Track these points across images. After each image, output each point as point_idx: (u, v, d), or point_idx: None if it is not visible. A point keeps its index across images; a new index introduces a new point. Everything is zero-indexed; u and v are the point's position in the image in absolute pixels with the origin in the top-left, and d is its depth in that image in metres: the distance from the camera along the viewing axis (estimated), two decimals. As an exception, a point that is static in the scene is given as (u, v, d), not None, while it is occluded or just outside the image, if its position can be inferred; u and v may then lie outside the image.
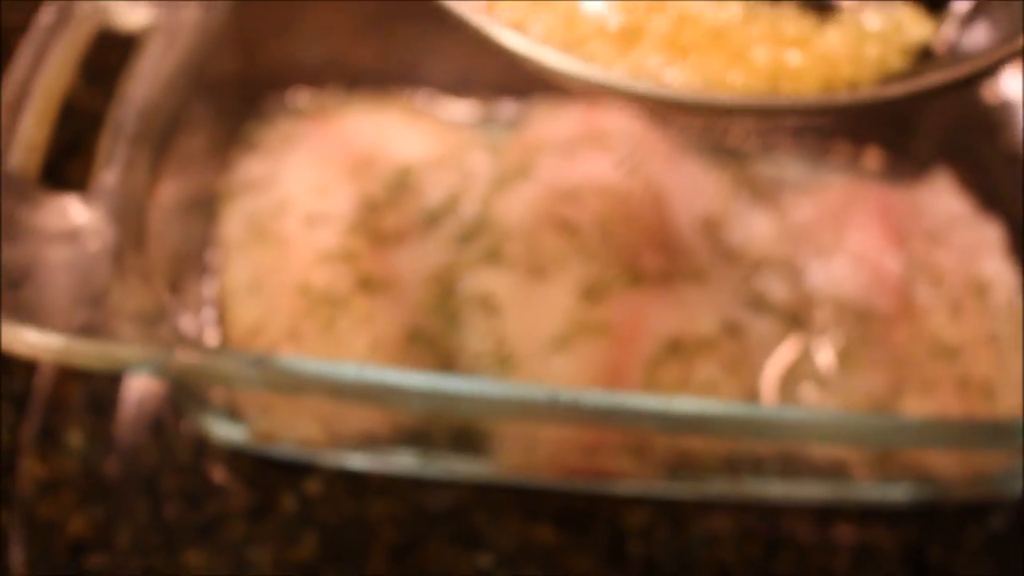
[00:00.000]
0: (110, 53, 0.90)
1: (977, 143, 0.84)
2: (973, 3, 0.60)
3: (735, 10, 0.59)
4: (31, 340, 0.58)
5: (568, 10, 0.59)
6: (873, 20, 0.60)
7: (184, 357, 0.59)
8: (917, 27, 0.59)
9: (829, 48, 0.58)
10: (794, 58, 0.57)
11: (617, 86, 0.56)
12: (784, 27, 0.59)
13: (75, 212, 0.64)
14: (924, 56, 0.58)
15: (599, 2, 0.59)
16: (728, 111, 0.61)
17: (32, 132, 0.67)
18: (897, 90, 0.56)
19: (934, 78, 0.55)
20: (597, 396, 0.61)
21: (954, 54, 0.58)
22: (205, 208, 0.77)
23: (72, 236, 0.62)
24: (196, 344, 0.60)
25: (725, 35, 0.58)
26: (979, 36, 0.58)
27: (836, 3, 0.60)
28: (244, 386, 0.64)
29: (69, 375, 0.73)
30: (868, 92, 0.56)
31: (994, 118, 0.82)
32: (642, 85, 0.56)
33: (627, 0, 0.58)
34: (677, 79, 0.56)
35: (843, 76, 0.57)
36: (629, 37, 0.58)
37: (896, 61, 0.58)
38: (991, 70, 0.56)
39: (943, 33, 0.59)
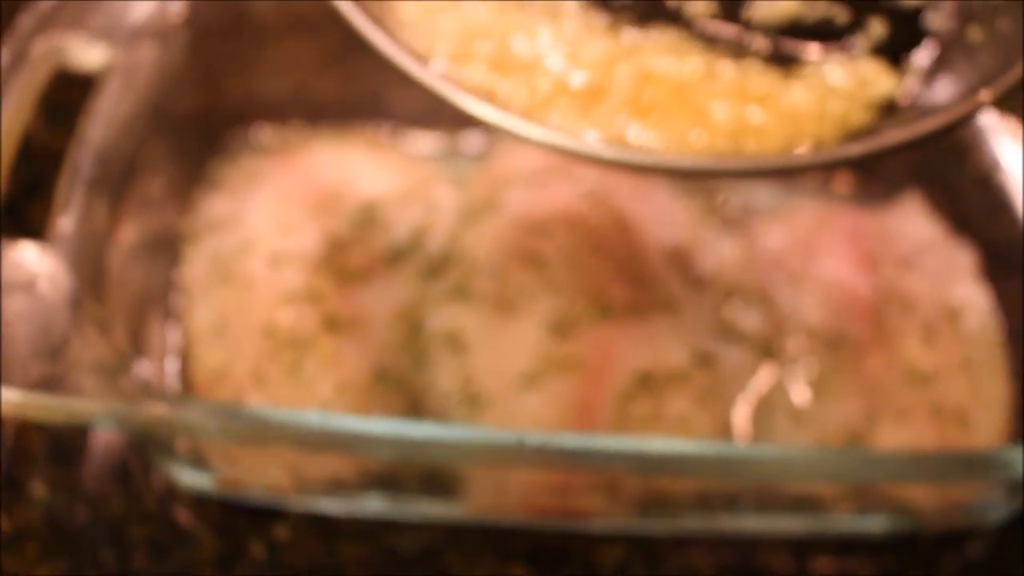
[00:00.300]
0: (72, 92, 0.89)
1: (947, 166, 0.84)
2: (935, 57, 0.60)
3: (697, 66, 0.59)
4: (-13, 395, 0.57)
5: (530, 70, 0.58)
6: (837, 75, 0.59)
7: (146, 410, 0.58)
8: (881, 82, 0.59)
9: (793, 105, 0.57)
10: (757, 115, 0.57)
11: (581, 151, 0.56)
12: (748, 83, 0.58)
13: (32, 260, 0.62)
14: (888, 110, 0.58)
15: (561, 61, 0.58)
16: (691, 173, 0.61)
17: (-11, 177, 0.66)
18: (858, 149, 0.55)
19: (895, 136, 0.55)
20: (564, 440, 0.61)
21: (916, 108, 0.58)
22: (168, 250, 0.76)
23: (29, 285, 0.61)
24: (158, 395, 0.60)
25: (688, 93, 0.57)
26: (941, 90, 0.58)
27: (800, 59, 0.60)
28: (208, 438, 0.63)
29: (31, 424, 0.72)
30: (829, 152, 0.56)
31: (963, 141, 0.81)
32: (604, 150, 0.56)
33: (589, 57, 0.58)
34: (640, 139, 0.56)
35: (807, 133, 0.57)
36: (591, 97, 0.57)
37: (860, 116, 0.58)
38: (951, 127, 0.55)
39: (906, 87, 0.59)
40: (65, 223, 0.65)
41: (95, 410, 0.58)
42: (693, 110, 0.57)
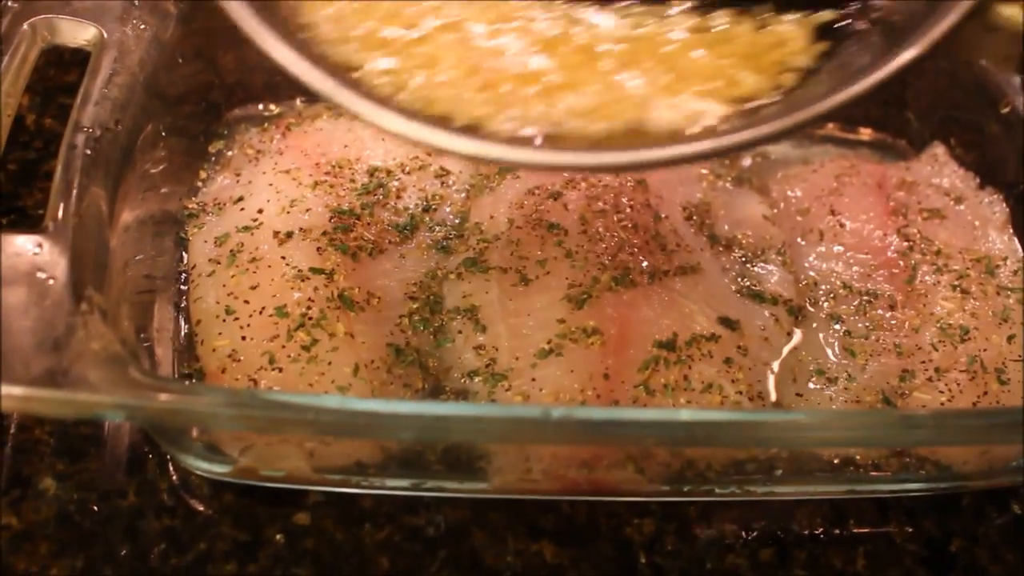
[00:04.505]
0: (65, 74, 0.86)
1: (975, 114, 0.81)
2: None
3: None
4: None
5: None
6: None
7: (156, 401, 0.55)
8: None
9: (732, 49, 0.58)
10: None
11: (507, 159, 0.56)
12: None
13: (31, 250, 0.60)
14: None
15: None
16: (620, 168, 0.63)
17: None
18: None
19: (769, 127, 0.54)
20: (587, 412, 0.58)
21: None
22: (171, 232, 0.73)
23: (29, 277, 0.59)
24: (168, 384, 0.57)
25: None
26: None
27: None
28: (222, 426, 0.60)
29: (38, 417, 0.70)
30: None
31: (992, 88, 0.79)
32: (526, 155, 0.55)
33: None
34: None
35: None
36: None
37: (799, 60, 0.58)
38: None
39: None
40: (63, 210, 0.62)
41: (103, 403, 0.55)
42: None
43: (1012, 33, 0.54)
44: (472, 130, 0.56)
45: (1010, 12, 0.53)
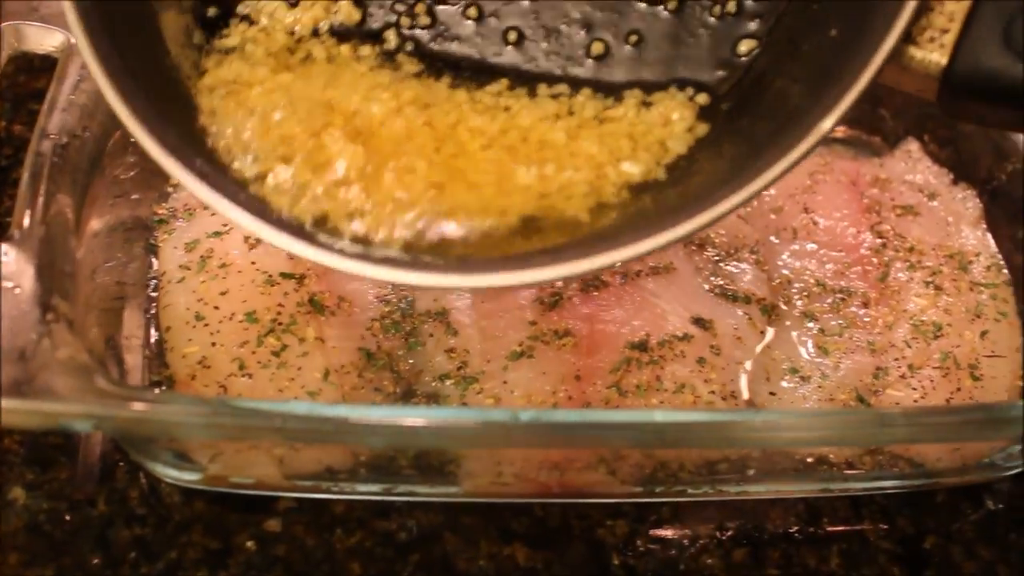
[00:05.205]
0: (34, 80, 0.86)
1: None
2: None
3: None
4: (-47, 404, 0.54)
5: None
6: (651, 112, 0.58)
7: (125, 409, 0.55)
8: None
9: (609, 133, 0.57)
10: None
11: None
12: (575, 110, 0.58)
13: (-4, 259, 0.59)
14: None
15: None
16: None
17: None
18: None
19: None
20: (560, 415, 0.58)
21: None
22: (140, 239, 0.73)
23: (-7, 286, 0.58)
24: (137, 392, 0.57)
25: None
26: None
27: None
28: (191, 435, 0.60)
29: (5, 428, 0.69)
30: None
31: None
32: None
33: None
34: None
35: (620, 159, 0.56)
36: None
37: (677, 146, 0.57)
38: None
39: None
40: (30, 218, 0.61)
41: (69, 412, 0.55)
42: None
43: (924, 74, 0.53)
44: (361, 241, 0.53)
45: (921, 55, 0.53)
